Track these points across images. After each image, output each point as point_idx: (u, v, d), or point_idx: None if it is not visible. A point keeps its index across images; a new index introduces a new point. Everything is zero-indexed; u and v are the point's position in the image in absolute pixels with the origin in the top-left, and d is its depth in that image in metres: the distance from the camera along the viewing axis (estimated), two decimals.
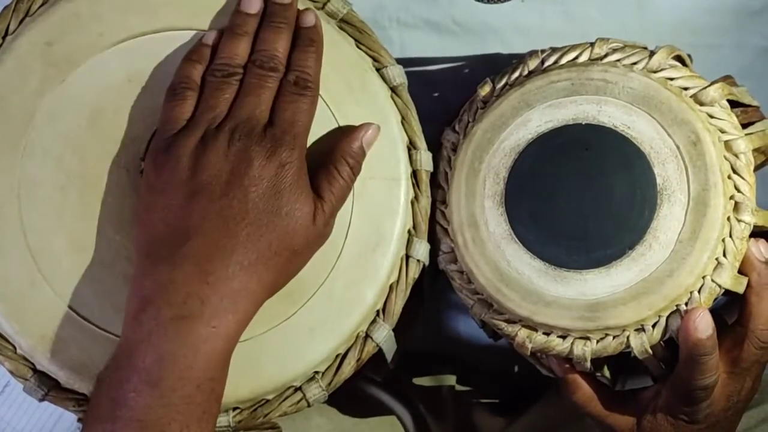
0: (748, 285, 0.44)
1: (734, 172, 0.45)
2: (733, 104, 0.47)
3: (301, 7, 0.47)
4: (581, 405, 0.47)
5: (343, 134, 0.46)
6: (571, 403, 0.47)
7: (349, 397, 0.51)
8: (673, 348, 0.45)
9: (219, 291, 0.40)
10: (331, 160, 0.45)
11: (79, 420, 0.46)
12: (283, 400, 0.46)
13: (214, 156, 0.42)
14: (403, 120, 0.49)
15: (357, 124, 0.46)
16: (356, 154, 0.45)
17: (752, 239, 0.45)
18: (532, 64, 0.49)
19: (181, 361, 0.39)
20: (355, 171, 0.45)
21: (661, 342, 0.45)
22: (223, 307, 0.40)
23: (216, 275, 0.40)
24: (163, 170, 0.42)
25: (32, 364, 0.45)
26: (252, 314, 0.42)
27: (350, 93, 0.48)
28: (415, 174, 0.49)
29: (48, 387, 0.45)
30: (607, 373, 0.47)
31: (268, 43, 0.45)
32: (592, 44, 0.48)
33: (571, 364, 0.46)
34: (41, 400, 0.46)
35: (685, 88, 0.46)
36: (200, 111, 0.44)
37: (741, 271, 0.44)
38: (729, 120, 0.46)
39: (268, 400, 0.47)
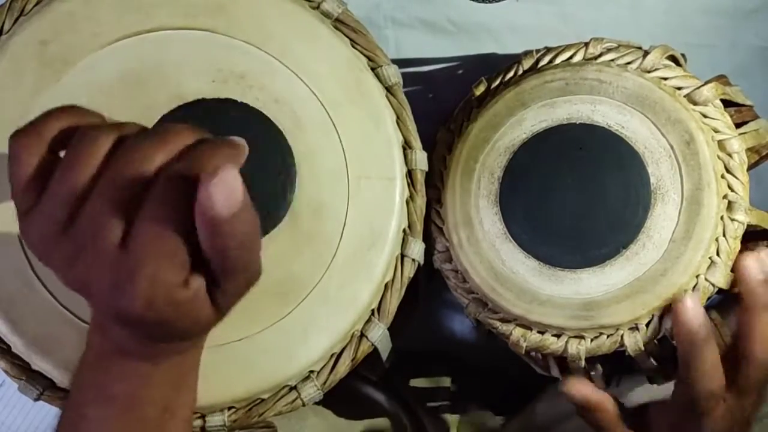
0: (744, 307, 0.42)
1: (728, 171, 0.45)
2: (727, 104, 0.47)
3: (296, 6, 0.47)
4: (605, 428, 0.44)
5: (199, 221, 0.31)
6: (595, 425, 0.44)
7: (344, 397, 0.51)
8: (667, 347, 0.45)
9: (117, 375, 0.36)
10: (220, 278, 0.32)
11: None
12: (278, 400, 0.46)
13: (61, 277, 0.33)
14: (398, 119, 0.49)
15: (352, 123, 0.46)
16: (228, 244, 0.31)
17: (749, 252, 0.43)
18: (527, 63, 0.50)
19: (128, 383, 0.36)
20: (242, 255, 0.32)
21: (655, 340, 0.45)
22: (158, 354, 0.36)
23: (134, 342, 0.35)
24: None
25: (27, 363, 0.45)
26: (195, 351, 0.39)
27: (345, 93, 0.48)
28: (410, 173, 0.49)
29: (43, 386, 0.45)
30: (600, 372, 0.48)
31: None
32: (586, 44, 0.49)
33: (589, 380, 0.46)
34: (36, 399, 0.46)
35: (679, 88, 0.46)
36: (46, 196, 0.33)
37: (735, 289, 0.43)
38: (722, 119, 0.46)
39: (263, 400, 0.47)
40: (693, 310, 0.42)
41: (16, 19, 0.47)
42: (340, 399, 0.49)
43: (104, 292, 0.32)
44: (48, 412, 0.64)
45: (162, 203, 0.31)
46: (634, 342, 0.44)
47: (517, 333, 0.47)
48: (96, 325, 0.36)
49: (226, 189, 0.30)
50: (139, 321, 0.32)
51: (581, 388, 0.44)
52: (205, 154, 0.31)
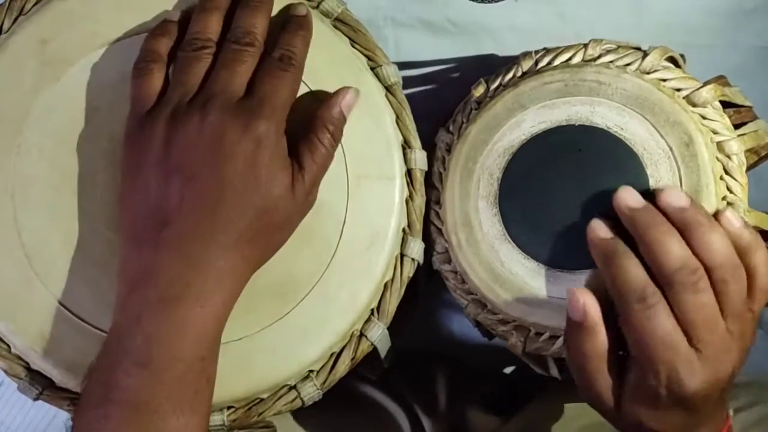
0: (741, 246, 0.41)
1: (726, 173, 0.45)
2: (726, 104, 0.47)
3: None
4: (588, 357, 0.41)
5: (320, 101, 0.45)
6: (580, 354, 0.41)
7: (343, 397, 0.51)
8: None
9: (203, 273, 0.40)
10: (311, 128, 0.43)
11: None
12: (278, 399, 0.47)
13: (186, 133, 0.41)
14: (398, 119, 0.49)
15: (350, 121, 0.46)
16: (336, 120, 0.44)
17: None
18: (526, 65, 0.50)
19: (171, 341, 0.39)
20: (336, 137, 0.44)
21: None
22: (208, 288, 0.40)
23: (198, 258, 0.40)
24: (137, 151, 0.42)
25: (26, 363, 0.45)
26: (239, 291, 0.42)
27: None
28: (409, 173, 0.49)
29: (42, 386, 0.45)
30: None
31: (245, 20, 0.43)
32: (585, 45, 0.49)
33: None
34: (35, 399, 0.46)
35: (678, 90, 0.46)
36: (171, 87, 0.42)
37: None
38: (721, 121, 0.46)
39: (262, 399, 0.47)
40: (634, 195, 0.42)
41: (16, 18, 0.47)
42: (340, 399, 0.49)
43: (235, 128, 0.41)
44: (47, 412, 0.64)
45: (278, 71, 0.43)
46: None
47: (515, 334, 0.47)
48: (146, 272, 0.40)
49: (352, 99, 0.45)
50: (261, 151, 0.41)
51: (587, 297, 0.41)
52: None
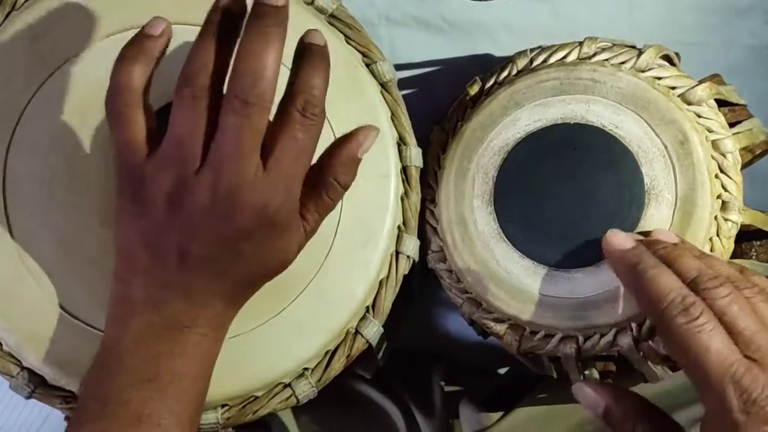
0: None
1: (721, 171, 0.45)
2: (721, 103, 0.47)
3: (291, 2, 0.47)
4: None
5: (338, 149, 0.40)
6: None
7: (339, 395, 0.51)
8: (662, 347, 0.45)
9: (206, 313, 0.40)
10: (323, 183, 0.39)
11: (66, 418, 0.46)
12: (273, 397, 0.46)
13: (195, 209, 0.37)
14: (393, 116, 0.49)
15: (346, 119, 0.46)
16: (351, 174, 0.40)
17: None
18: (521, 63, 0.50)
19: (176, 360, 0.39)
20: (349, 187, 0.40)
21: (650, 341, 0.45)
22: (211, 323, 0.40)
23: (203, 305, 0.40)
24: (135, 202, 0.38)
25: (18, 361, 0.45)
26: (231, 322, 0.42)
27: (339, 89, 0.47)
28: (404, 170, 0.49)
29: (34, 384, 0.45)
30: (595, 374, 0.48)
31: (254, 60, 0.35)
32: (580, 43, 0.49)
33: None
34: (28, 397, 0.46)
35: (673, 88, 0.46)
36: (169, 143, 0.37)
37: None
38: (716, 119, 0.46)
39: (257, 397, 0.47)
40: (619, 238, 0.41)
41: (8, 15, 0.46)
42: (335, 397, 0.49)
43: (247, 210, 0.37)
44: (40, 412, 0.63)
45: (302, 132, 0.37)
46: (628, 342, 0.44)
47: (510, 333, 0.47)
48: (149, 303, 0.39)
49: (371, 142, 0.40)
50: (274, 228, 0.38)
51: (588, 393, 0.40)
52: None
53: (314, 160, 0.39)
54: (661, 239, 0.41)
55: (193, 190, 0.37)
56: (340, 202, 0.46)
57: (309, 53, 0.37)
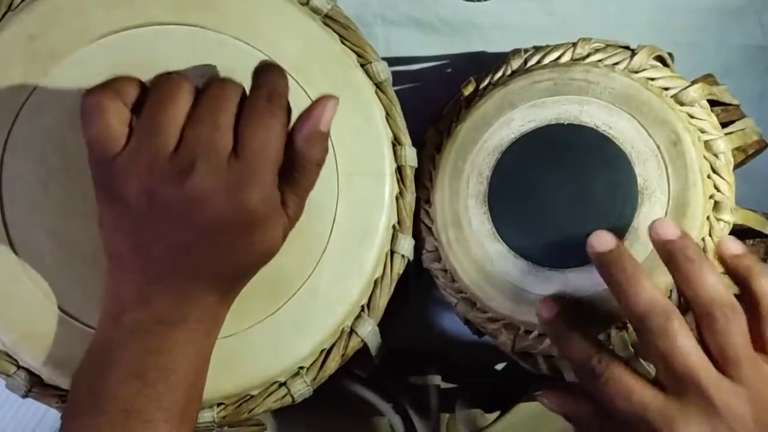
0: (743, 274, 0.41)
1: (714, 171, 0.45)
2: (714, 103, 0.48)
3: (286, 2, 0.47)
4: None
5: (299, 124, 0.39)
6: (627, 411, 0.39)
7: (334, 395, 0.51)
8: None
9: (195, 306, 0.40)
10: (293, 164, 0.39)
11: (62, 417, 0.46)
12: (268, 396, 0.47)
13: (170, 198, 0.37)
14: (388, 116, 0.49)
15: (341, 119, 0.46)
16: (320, 150, 0.40)
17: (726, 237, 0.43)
18: (515, 63, 0.50)
19: (166, 356, 0.39)
20: (322, 162, 0.40)
21: None
22: (202, 317, 0.40)
23: (192, 298, 0.40)
24: (112, 201, 0.38)
25: (15, 360, 0.45)
26: (228, 309, 0.42)
27: (334, 89, 0.47)
28: (399, 170, 0.49)
29: (31, 383, 0.45)
30: None
31: None
32: (574, 44, 0.49)
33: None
34: (24, 396, 0.46)
35: (666, 88, 0.47)
36: (142, 131, 0.37)
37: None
38: (709, 120, 0.46)
39: (252, 396, 0.47)
40: (603, 238, 0.41)
41: (4, 14, 0.46)
42: (330, 397, 0.49)
43: (221, 196, 0.37)
44: (36, 411, 0.63)
45: (268, 117, 0.38)
46: (621, 341, 0.45)
47: (505, 332, 0.47)
48: (139, 300, 0.39)
49: (332, 111, 0.39)
50: (252, 217, 0.38)
51: (554, 399, 0.43)
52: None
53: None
54: (660, 235, 0.41)
55: (168, 179, 0.37)
56: (335, 201, 0.46)
57: (269, 65, 0.40)
